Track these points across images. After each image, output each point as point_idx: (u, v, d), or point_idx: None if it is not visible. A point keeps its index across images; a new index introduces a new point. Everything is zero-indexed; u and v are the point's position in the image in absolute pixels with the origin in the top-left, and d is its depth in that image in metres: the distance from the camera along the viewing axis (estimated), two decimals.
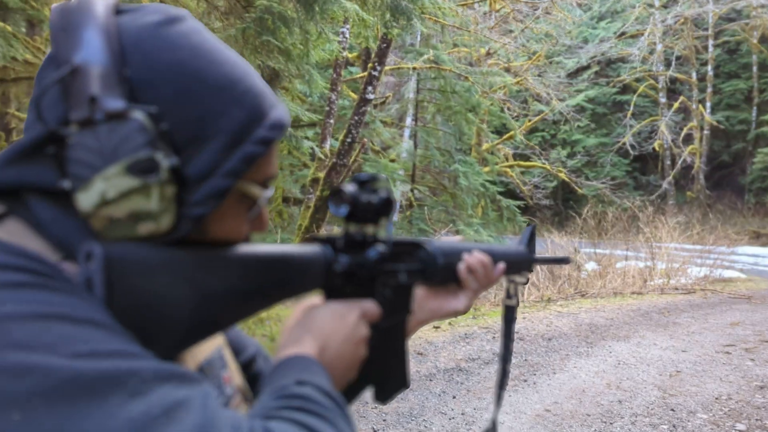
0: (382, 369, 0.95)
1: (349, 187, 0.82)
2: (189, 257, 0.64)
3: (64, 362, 0.49)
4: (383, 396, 0.96)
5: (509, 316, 1.26)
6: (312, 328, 0.77)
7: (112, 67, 0.60)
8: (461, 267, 1.05)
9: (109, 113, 0.58)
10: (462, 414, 4.60)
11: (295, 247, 0.77)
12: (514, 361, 6.00)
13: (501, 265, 1.12)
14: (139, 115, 0.60)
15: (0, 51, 8.34)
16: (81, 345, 0.51)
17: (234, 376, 0.85)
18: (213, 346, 0.82)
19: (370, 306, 0.85)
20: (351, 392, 0.94)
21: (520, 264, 1.23)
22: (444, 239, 1.06)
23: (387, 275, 0.91)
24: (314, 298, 0.86)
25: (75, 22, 0.61)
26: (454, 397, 4.94)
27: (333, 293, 0.84)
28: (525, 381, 5.46)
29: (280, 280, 0.73)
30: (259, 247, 0.72)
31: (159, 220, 0.61)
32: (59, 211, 0.62)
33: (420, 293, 1.08)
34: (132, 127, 0.59)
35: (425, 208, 14.99)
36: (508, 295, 1.26)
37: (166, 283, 0.60)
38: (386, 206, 0.85)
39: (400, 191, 15.40)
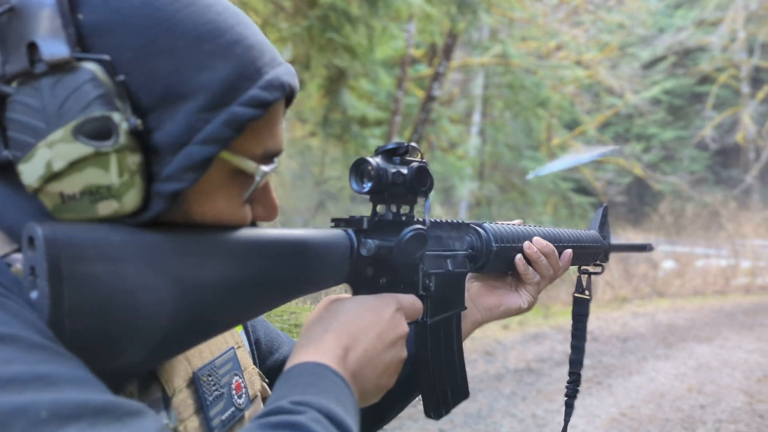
0: (433, 376, 0.83)
1: (374, 159, 0.70)
2: (166, 242, 0.53)
3: None
4: (436, 408, 0.83)
5: (581, 311, 1.12)
6: (335, 325, 0.63)
7: (60, 7, 0.49)
8: (519, 257, 0.92)
9: (52, 62, 0.48)
10: (533, 416, 4.46)
11: (313, 231, 0.65)
12: (587, 362, 5.78)
13: (568, 253, 0.98)
14: (90, 65, 0.49)
15: None
16: None
17: (253, 381, 0.74)
18: (218, 348, 0.70)
19: (410, 299, 0.71)
20: (393, 402, 0.83)
21: (592, 251, 1.08)
22: (501, 223, 0.94)
23: (430, 262, 0.78)
24: (342, 294, 0.73)
25: None
26: (524, 399, 4.80)
27: (363, 285, 0.71)
28: (599, 383, 5.26)
29: (292, 269, 0.62)
30: (263, 231, 0.62)
31: (122, 197, 0.50)
32: (6, 189, 0.53)
33: (474, 288, 0.95)
34: (81, 80, 0.48)
35: (493, 205, 14.78)
36: (580, 288, 1.12)
37: (135, 274, 0.49)
38: (420, 179, 0.72)
39: (468, 189, 15.23)
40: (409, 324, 0.76)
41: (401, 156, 0.72)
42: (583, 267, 1.12)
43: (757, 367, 5.77)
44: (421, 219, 0.76)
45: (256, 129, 0.59)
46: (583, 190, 18.23)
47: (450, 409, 0.86)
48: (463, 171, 14.62)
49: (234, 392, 0.69)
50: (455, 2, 6.84)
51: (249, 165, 0.59)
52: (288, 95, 0.61)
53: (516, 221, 0.99)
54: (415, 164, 0.72)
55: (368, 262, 0.70)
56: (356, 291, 0.72)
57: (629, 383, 5.27)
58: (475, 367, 5.39)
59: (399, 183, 0.71)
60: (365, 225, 0.70)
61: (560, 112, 16.90)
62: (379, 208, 0.72)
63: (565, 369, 4.67)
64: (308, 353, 0.59)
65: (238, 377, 0.71)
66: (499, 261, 0.91)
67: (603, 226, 1.15)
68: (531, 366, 5.58)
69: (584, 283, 1.12)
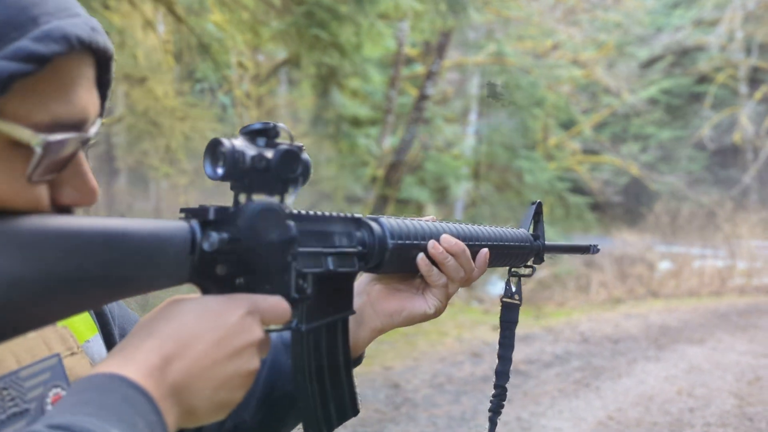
0: (313, 389, 0.74)
1: (230, 140, 0.60)
2: None
3: None
4: (314, 426, 0.74)
5: (509, 317, 1.02)
6: (164, 329, 0.54)
7: None
8: (421, 257, 0.82)
9: None
10: (517, 419, 4.38)
11: (140, 222, 0.55)
12: (576, 363, 5.72)
13: (484, 253, 0.89)
14: None
15: None
16: None
17: None
18: (32, 356, 0.61)
19: (271, 300, 0.61)
20: (280, 420, 0.75)
21: (518, 251, 0.98)
22: (410, 218, 0.85)
23: (305, 260, 0.68)
24: (190, 294, 0.63)
25: None
26: (509, 401, 4.71)
27: (214, 286, 0.61)
28: (587, 386, 5.18)
29: (103, 265, 0.51)
30: (63, 219, 0.52)
31: None
32: None
33: (374, 291, 0.86)
34: None
35: (488, 205, 14.72)
36: (509, 292, 1.02)
37: None
38: (286, 165, 0.63)
39: (463, 189, 15.17)
40: (274, 330, 0.67)
41: (269, 138, 0.63)
42: (513, 269, 1.02)
43: (749, 370, 5.69)
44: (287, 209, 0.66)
45: (36, 90, 0.50)
46: (579, 190, 18.15)
47: (333, 427, 0.76)
48: (459, 171, 14.55)
49: (50, 407, 0.60)
50: (445, 0, 6.77)
51: (23, 133, 0.50)
52: (90, 52, 0.53)
53: (428, 217, 0.89)
54: (282, 147, 0.63)
55: (219, 258, 0.61)
56: (206, 292, 0.62)
57: (618, 385, 5.20)
58: (461, 369, 5.32)
59: (261, 168, 0.61)
60: (211, 215, 0.60)
61: (556, 112, 16.83)
62: (241, 198, 0.63)
63: (554, 370, 4.62)
64: (111, 362, 0.51)
65: (60, 389, 0.62)
66: (398, 261, 0.81)
67: (537, 224, 1.05)
68: (519, 368, 5.51)
69: (513, 287, 1.02)
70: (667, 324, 7.67)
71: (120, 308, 0.81)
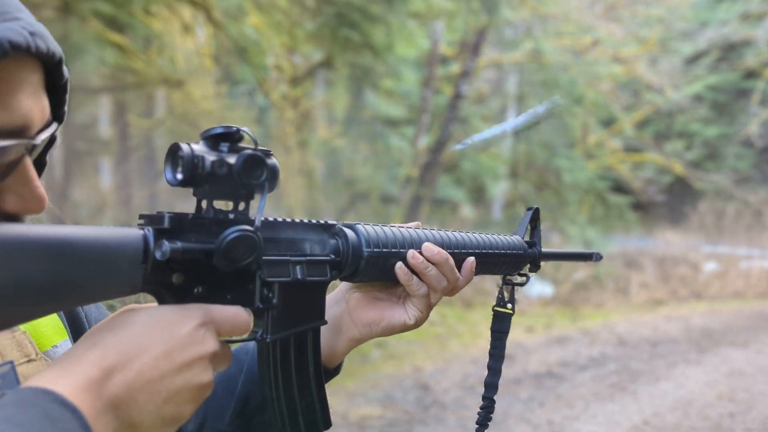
0: (280, 401, 0.72)
1: (190, 145, 0.59)
2: None
3: None
4: None
5: (501, 327, 0.97)
6: (108, 340, 0.52)
7: None
8: (399, 266, 0.80)
9: None
10: (548, 422, 4.31)
11: (89, 230, 0.54)
12: (612, 367, 5.59)
13: (470, 261, 0.86)
14: None
15: (114, 60, 8.93)
16: None
17: None
18: None
19: (230, 311, 0.59)
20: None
21: (510, 259, 0.95)
22: (391, 226, 0.82)
23: (271, 269, 0.67)
24: (144, 304, 0.61)
25: None
26: (541, 404, 4.64)
27: (171, 295, 0.60)
28: (623, 389, 5.06)
29: (46, 273, 0.50)
30: (9, 227, 0.50)
31: None
32: None
33: (353, 300, 0.84)
34: None
35: (527, 205, 14.57)
36: (502, 301, 0.98)
37: None
38: (249, 170, 0.61)
39: (501, 189, 15.02)
40: (237, 341, 0.66)
41: (232, 143, 0.62)
42: (507, 277, 0.98)
43: None
44: (247, 216, 0.65)
45: None
46: (620, 189, 17.79)
47: None
48: (496, 170, 14.42)
49: None
50: None
51: None
52: (32, 56, 0.52)
53: (413, 223, 0.87)
54: (245, 152, 0.61)
55: (175, 267, 0.59)
56: (161, 302, 0.61)
57: (656, 389, 5.07)
58: None
59: (223, 174, 0.60)
60: (166, 223, 0.59)
61: (596, 110, 16.53)
62: (204, 204, 0.62)
63: (589, 373, 4.53)
64: (48, 374, 0.49)
65: None
66: (375, 269, 0.79)
67: (534, 230, 1.02)
68: (553, 370, 5.41)
69: (506, 296, 0.98)
70: (709, 326, 7.45)
71: (98, 310, 0.81)
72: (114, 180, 12.23)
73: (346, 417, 4.02)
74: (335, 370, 0.86)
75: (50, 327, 0.70)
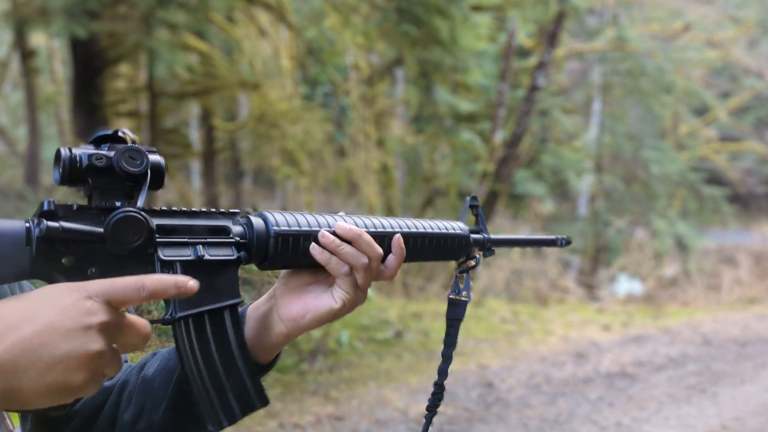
0: (204, 379, 0.74)
1: (70, 148, 0.65)
2: None
3: None
4: (213, 417, 0.75)
5: (455, 315, 0.96)
6: None
7: None
8: (313, 246, 0.80)
9: None
10: (617, 424, 4.14)
11: None
12: (693, 367, 5.30)
13: (397, 238, 0.85)
14: None
15: (202, 67, 9.35)
16: None
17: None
18: None
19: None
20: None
21: (452, 241, 0.94)
22: (308, 213, 0.83)
23: (169, 250, 0.70)
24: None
25: None
26: (611, 405, 4.47)
27: (62, 276, 0.64)
28: (703, 391, 4.79)
29: None
30: None
31: None
32: None
33: (278, 295, 0.84)
34: None
35: (613, 200, 14.02)
36: (456, 289, 0.96)
37: None
38: (129, 160, 0.66)
39: (586, 183, 14.54)
40: (155, 322, 0.69)
41: (113, 142, 0.67)
42: (462, 265, 0.97)
43: None
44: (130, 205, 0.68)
45: None
46: (716, 180, 16.80)
47: (236, 418, 0.76)
48: (579, 164, 13.96)
49: None
50: None
51: None
52: None
53: (340, 213, 0.87)
54: (123, 146, 0.66)
55: (63, 251, 0.64)
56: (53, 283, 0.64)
57: (739, 392, 4.77)
58: (561, 370, 5.10)
59: (103, 167, 0.65)
60: (45, 206, 0.64)
61: (688, 98, 15.68)
62: (93, 198, 0.67)
63: (666, 374, 4.33)
64: None
65: None
66: (287, 252, 0.79)
67: (478, 217, 1.01)
68: (626, 370, 5.20)
69: (461, 284, 0.96)
70: None
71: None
72: (201, 181, 12.78)
73: (406, 413, 4.00)
74: (269, 365, 0.86)
75: None
